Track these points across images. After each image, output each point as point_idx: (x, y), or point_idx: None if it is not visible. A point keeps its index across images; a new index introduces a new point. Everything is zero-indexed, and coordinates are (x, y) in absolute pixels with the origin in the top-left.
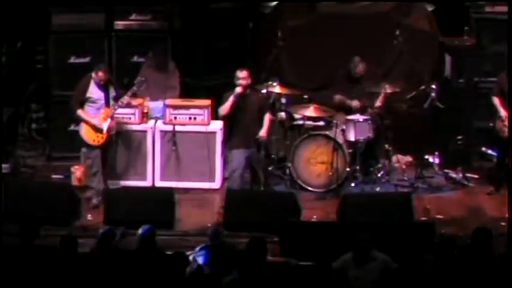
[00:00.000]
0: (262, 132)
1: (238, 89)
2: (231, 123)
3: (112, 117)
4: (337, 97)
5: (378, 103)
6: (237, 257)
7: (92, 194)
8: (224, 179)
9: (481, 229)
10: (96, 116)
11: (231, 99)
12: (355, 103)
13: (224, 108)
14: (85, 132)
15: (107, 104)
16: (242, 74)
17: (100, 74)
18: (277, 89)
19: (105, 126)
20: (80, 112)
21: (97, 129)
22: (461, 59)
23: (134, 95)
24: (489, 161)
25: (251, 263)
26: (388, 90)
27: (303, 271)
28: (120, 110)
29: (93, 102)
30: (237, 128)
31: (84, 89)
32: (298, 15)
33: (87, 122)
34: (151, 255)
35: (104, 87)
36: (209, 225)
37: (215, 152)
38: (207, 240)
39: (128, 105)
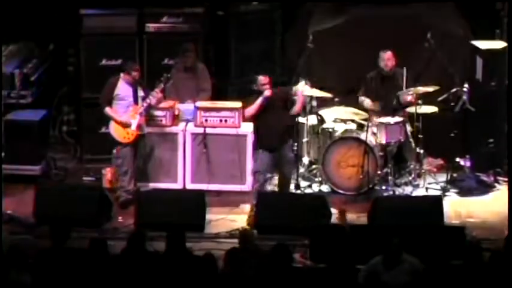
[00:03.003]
0: (296, 108)
1: (267, 92)
2: (257, 123)
3: (141, 114)
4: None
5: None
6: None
7: (121, 192)
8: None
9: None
10: (124, 113)
11: (258, 101)
12: (371, 105)
13: (251, 111)
14: (114, 130)
15: (135, 101)
16: (265, 80)
17: (134, 74)
18: (307, 91)
19: (134, 123)
20: (108, 110)
21: (126, 126)
22: (493, 62)
23: (162, 91)
24: None
25: (275, 268)
26: (420, 92)
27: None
28: (151, 112)
29: (122, 99)
30: (262, 128)
31: (113, 87)
32: (328, 18)
33: (115, 120)
34: (180, 257)
35: (132, 84)
36: (240, 228)
37: (246, 154)
38: (237, 243)
39: (158, 102)
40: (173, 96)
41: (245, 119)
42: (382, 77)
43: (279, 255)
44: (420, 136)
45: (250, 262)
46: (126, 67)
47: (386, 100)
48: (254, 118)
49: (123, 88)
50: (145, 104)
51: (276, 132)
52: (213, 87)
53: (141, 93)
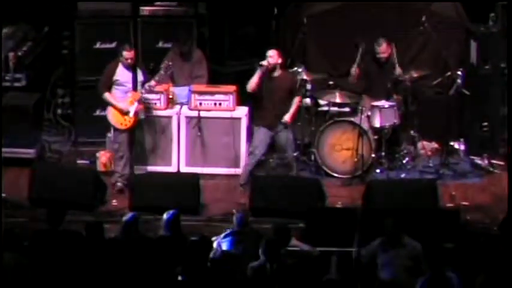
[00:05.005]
0: (287, 117)
1: (265, 62)
2: (259, 100)
3: (139, 101)
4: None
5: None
6: (262, 243)
7: (117, 177)
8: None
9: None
10: (123, 99)
11: (257, 73)
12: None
13: (251, 83)
14: (112, 115)
15: (134, 87)
16: (270, 53)
17: (125, 53)
18: (302, 74)
19: (132, 110)
20: (106, 95)
21: (124, 113)
22: (487, 46)
23: (161, 79)
24: None
25: (276, 250)
26: (414, 75)
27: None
28: (146, 95)
29: (121, 85)
30: (264, 106)
31: (112, 72)
32: (324, 1)
33: (114, 106)
34: (176, 241)
35: (131, 69)
36: (234, 210)
37: (240, 137)
38: (232, 226)
39: (155, 90)
40: (169, 81)
41: (249, 93)
42: (376, 59)
43: (278, 237)
44: (415, 119)
45: (248, 244)
46: (119, 49)
47: (380, 83)
48: (258, 95)
49: (122, 73)
50: (143, 91)
51: (278, 112)
52: (208, 72)
53: (140, 77)
